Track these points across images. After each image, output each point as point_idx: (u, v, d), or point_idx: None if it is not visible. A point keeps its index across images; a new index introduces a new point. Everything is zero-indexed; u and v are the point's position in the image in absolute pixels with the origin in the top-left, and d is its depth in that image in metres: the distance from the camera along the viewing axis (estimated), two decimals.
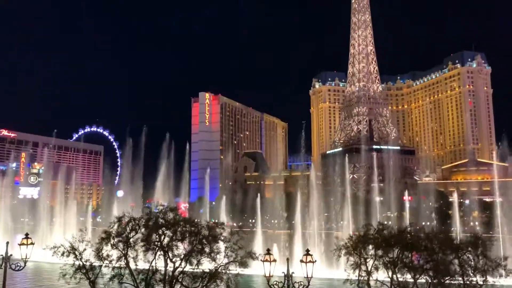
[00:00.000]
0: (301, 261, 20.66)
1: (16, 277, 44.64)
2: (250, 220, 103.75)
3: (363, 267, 27.06)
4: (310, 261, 20.64)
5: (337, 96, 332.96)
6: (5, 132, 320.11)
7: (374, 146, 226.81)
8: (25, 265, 19.71)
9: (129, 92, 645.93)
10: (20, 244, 19.77)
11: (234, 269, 19.89)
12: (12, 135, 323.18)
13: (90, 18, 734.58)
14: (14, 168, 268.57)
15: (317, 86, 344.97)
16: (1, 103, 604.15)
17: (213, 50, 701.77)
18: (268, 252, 20.43)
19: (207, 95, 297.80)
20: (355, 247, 27.77)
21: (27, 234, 20.61)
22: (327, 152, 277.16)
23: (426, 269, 26.66)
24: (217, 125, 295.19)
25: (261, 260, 20.13)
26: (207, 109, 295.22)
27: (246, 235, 20.39)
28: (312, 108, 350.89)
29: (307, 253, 20.90)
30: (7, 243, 19.57)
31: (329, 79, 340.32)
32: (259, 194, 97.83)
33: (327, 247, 68.10)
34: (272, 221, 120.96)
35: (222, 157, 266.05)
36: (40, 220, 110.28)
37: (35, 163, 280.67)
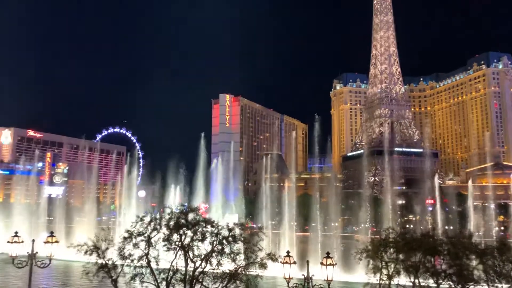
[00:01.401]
0: (321, 263, 20.56)
1: (41, 274, 45.72)
2: (270, 222, 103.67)
3: (384, 271, 26.70)
4: (330, 264, 20.51)
5: (359, 97, 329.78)
6: (31, 133, 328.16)
7: (396, 149, 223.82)
8: (50, 263, 20.18)
9: (150, 93, 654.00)
10: (45, 242, 20.28)
11: (254, 270, 19.91)
12: (38, 135, 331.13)
13: (109, 20, 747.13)
14: (39, 168, 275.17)
15: (338, 87, 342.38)
16: (28, 104, 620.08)
17: (234, 51, 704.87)
18: (288, 254, 20.38)
19: (227, 96, 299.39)
20: (376, 250, 27.43)
21: (51, 232, 21.12)
22: (348, 154, 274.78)
23: (449, 274, 26.12)
24: (237, 127, 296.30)
25: (280, 262, 20.11)
26: (227, 110, 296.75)
27: (266, 236, 20.39)
28: (332, 109, 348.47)
29: (327, 255, 20.77)
30: (33, 240, 20.09)
31: (350, 80, 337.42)
32: (280, 196, 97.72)
33: (347, 250, 67.50)
34: (291, 223, 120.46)
35: (241, 158, 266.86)
36: (64, 218, 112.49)
37: (60, 163, 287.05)
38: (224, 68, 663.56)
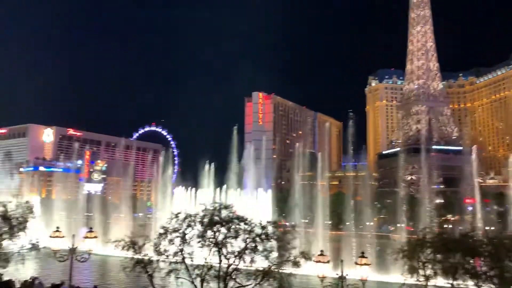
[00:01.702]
0: (356, 263, 20.32)
1: (81, 268, 47.35)
2: (303, 220, 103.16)
3: (421, 272, 26.05)
4: (365, 264, 20.23)
5: (395, 94, 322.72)
6: (71, 131, 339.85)
7: (434, 147, 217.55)
8: (89, 257, 20.88)
9: (185, 91, 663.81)
10: (84, 237, 21.00)
11: (287, 268, 19.89)
12: (78, 134, 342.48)
13: (145, 19, 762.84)
14: (79, 165, 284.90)
15: (373, 84, 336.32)
16: (68, 103, 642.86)
17: (266, 48, 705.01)
18: (322, 253, 20.25)
19: (260, 94, 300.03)
20: (413, 250, 26.80)
21: (91, 228, 21.84)
22: (384, 152, 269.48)
23: (490, 276, 25.20)
24: (270, 125, 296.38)
25: (314, 260, 20.00)
26: (260, 108, 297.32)
27: (299, 234, 20.35)
28: (367, 106, 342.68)
29: (362, 255, 20.51)
30: (73, 235, 20.84)
31: (386, 76, 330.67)
32: (314, 194, 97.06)
33: (382, 250, 66.30)
34: (325, 221, 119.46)
35: (274, 156, 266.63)
36: (102, 215, 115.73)
37: (98, 161, 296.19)
38: (257, 66, 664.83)
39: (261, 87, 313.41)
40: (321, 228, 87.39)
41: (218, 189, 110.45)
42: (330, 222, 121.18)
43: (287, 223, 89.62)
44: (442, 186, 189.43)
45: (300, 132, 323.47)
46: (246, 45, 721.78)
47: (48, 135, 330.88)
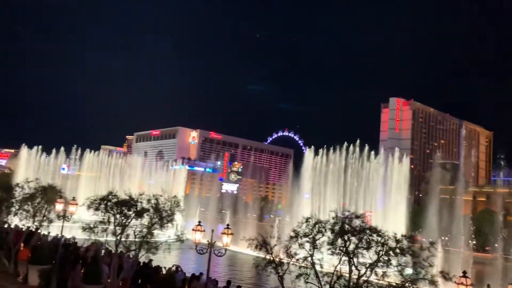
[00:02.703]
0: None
1: (217, 262, 50.68)
2: (443, 238, 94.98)
3: None
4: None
5: None
6: (213, 134, 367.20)
7: None
8: (225, 252, 22.25)
9: (315, 98, 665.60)
10: (222, 233, 22.43)
11: (423, 287, 18.52)
12: (218, 137, 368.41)
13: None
14: (218, 166, 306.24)
15: None
16: (211, 108, 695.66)
17: (406, 52, 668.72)
18: (464, 274, 18.43)
19: (398, 100, 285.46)
20: None
21: (227, 225, 23.24)
22: None
23: None
24: (407, 133, 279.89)
25: (455, 281, 18.28)
26: (397, 115, 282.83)
27: (438, 252, 18.81)
28: None
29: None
30: (212, 231, 22.42)
31: None
32: (456, 210, 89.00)
33: None
34: (469, 241, 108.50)
35: (412, 166, 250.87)
36: (236, 213, 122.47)
37: (236, 162, 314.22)
38: (395, 70, 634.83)
39: (400, 93, 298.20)
40: (463, 247, 79.61)
41: (348, 197, 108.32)
42: (474, 242, 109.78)
43: (424, 239, 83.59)
44: None
45: (442, 141, 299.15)
46: (384, 49, 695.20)
47: (193, 137, 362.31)
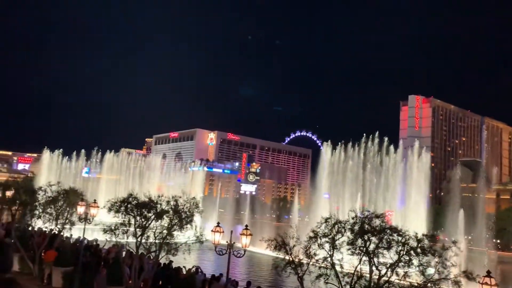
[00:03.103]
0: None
1: (237, 262, 50.81)
2: (466, 237, 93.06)
3: None
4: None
5: None
6: (231, 136, 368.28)
7: None
8: (244, 253, 22.26)
9: (335, 96, 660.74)
10: (241, 234, 22.45)
11: (446, 287, 18.19)
12: (236, 138, 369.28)
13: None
14: (236, 167, 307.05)
15: None
16: (227, 111, 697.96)
17: (424, 47, 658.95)
18: (488, 274, 18.06)
19: (417, 98, 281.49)
20: None
21: (246, 226, 23.25)
22: None
23: None
24: (427, 130, 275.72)
25: (478, 281, 17.92)
26: (417, 113, 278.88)
27: (460, 251, 18.44)
28: None
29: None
30: (231, 232, 22.47)
31: None
32: (479, 208, 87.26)
33: None
34: (494, 240, 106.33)
35: (433, 164, 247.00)
36: (255, 214, 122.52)
37: (253, 163, 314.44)
38: (414, 67, 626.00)
39: (419, 90, 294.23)
40: (486, 247, 77.95)
41: (368, 197, 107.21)
42: (498, 241, 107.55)
43: (446, 238, 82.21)
44: None
45: (464, 139, 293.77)
46: (402, 47, 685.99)
47: (211, 138, 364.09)
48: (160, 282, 26.65)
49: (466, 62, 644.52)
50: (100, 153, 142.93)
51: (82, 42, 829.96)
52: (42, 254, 30.02)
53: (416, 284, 17.51)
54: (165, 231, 23.96)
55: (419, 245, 17.77)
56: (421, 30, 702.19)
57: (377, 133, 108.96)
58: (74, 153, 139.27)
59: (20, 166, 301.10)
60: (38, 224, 33.65)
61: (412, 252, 17.83)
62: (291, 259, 19.72)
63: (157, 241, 24.10)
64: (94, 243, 36.48)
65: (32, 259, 29.94)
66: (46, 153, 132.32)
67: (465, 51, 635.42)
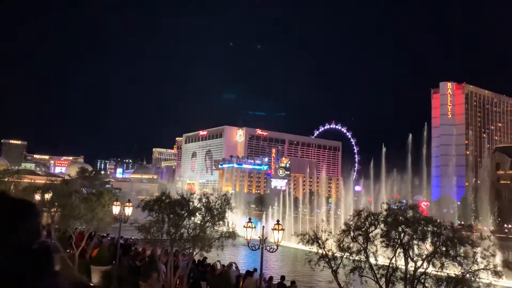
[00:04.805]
0: None
1: (270, 257, 50.98)
2: (506, 225, 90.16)
3: None
4: None
5: None
6: (259, 131, 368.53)
7: None
8: (277, 248, 22.30)
9: (362, 88, 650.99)
10: (273, 229, 22.49)
11: (486, 278, 17.69)
12: (265, 133, 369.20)
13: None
14: (266, 163, 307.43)
15: None
16: (255, 106, 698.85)
17: (456, 33, 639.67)
18: None
19: (448, 84, 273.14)
20: None
21: (278, 221, 23.27)
22: None
23: None
24: (461, 117, 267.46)
25: None
26: (449, 100, 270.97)
27: (501, 241, 17.89)
28: None
29: None
30: (263, 227, 22.55)
31: None
32: None
33: None
34: None
35: (467, 152, 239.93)
36: (286, 209, 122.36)
37: (283, 158, 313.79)
38: (445, 53, 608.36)
39: (450, 76, 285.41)
40: None
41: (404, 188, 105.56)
42: None
43: (485, 228, 79.84)
44: None
45: (500, 124, 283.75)
46: (433, 30, 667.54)
47: (240, 135, 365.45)
48: (195, 278, 27.03)
49: (498, 45, 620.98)
50: (133, 153, 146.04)
51: (117, 47, 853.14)
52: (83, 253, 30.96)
53: (454, 275, 17.12)
54: (198, 228, 24.29)
55: (456, 235, 17.37)
56: (449, 14, 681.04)
57: (410, 136, 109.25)
58: (107, 155, 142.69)
59: (57, 169, 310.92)
60: (76, 224, 34.74)
61: (448, 242, 17.44)
62: (324, 252, 19.65)
63: (190, 238, 24.45)
64: (130, 241, 37.38)
65: (72, 259, 30.92)
66: (82, 157, 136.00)
67: (495, 33, 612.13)
